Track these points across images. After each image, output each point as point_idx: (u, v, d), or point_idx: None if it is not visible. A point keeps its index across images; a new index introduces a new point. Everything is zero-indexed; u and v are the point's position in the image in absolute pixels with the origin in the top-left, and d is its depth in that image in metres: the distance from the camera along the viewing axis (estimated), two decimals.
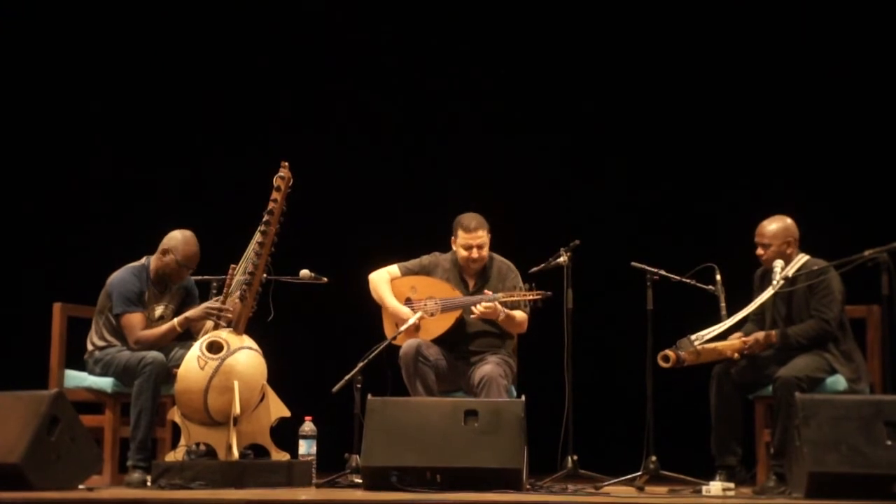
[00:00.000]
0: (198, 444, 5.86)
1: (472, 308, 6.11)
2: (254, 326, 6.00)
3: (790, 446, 5.27)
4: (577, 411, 6.03)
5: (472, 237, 6.21)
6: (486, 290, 6.19)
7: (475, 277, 6.31)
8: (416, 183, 8.08)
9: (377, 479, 5.31)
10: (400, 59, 8.32)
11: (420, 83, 8.29)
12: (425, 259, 6.39)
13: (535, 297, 6.11)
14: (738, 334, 6.00)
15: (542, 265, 6.20)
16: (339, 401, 5.78)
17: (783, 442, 5.53)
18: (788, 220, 6.04)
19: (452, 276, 6.31)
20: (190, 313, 6.06)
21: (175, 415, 5.83)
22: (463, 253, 6.24)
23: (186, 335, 6.11)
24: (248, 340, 5.93)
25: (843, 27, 7.79)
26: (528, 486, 5.43)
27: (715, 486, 5.56)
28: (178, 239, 6.11)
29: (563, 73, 8.21)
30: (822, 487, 4.90)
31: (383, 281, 6.32)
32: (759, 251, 6.02)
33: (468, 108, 8.24)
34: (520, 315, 6.19)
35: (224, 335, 5.88)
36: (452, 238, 6.29)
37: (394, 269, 6.36)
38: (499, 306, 6.09)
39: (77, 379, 6.16)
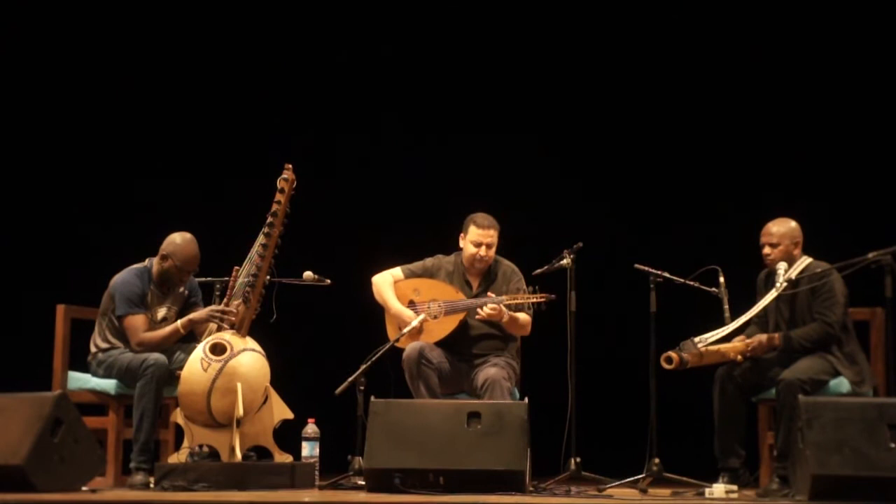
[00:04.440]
0: (201, 446, 5.87)
1: (478, 310, 6.11)
2: (257, 328, 6.00)
3: (793, 449, 5.26)
4: (580, 413, 6.03)
5: (483, 234, 6.21)
6: (489, 293, 6.19)
7: (479, 279, 6.31)
8: (418, 185, 8.08)
9: (380, 481, 5.30)
10: (401, 61, 8.32)
11: (422, 84, 8.29)
12: (429, 261, 6.39)
13: (539, 300, 6.12)
14: (741, 336, 6.00)
15: (546, 267, 6.20)
16: (342, 403, 5.77)
17: (786, 444, 5.53)
18: (793, 223, 6.04)
19: (456, 277, 6.31)
20: (194, 315, 6.06)
21: (178, 416, 5.84)
22: (472, 249, 6.23)
23: (190, 337, 6.11)
24: (251, 342, 5.94)
25: (845, 30, 7.78)
26: (531, 489, 5.43)
27: (718, 489, 5.56)
28: (177, 243, 6.09)
29: (567, 74, 8.21)
30: (826, 490, 4.90)
31: (386, 283, 6.32)
32: (766, 250, 6.01)
33: (471, 110, 8.24)
34: (523, 317, 6.19)
35: (227, 337, 5.88)
36: (462, 234, 6.29)
37: (397, 272, 6.36)
38: (504, 308, 6.10)
39: (80, 381, 6.17)
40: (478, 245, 6.22)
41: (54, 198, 8.15)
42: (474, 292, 6.27)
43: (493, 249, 6.25)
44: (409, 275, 6.35)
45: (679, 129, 8.06)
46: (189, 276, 6.17)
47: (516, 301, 6.14)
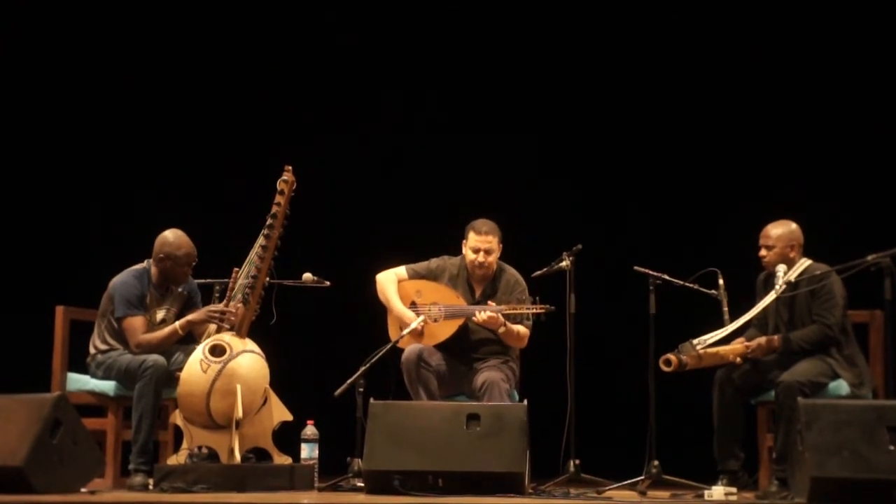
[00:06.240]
0: (200, 448, 5.87)
1: (475, 314, 6.10)
2: (256, 330, 6.00)
3: (792, 451, 5.26)
4: (580, 415, 6.03)
5: (481, 240, 6.20)
6: (489, 301, 6.19)
7: (482, 285, 6.29)
8: (419, 187, 8.08)
9: (379, 482, 5.31)
10: (403, 63, 8.32)
11: (423, 87, 8.29)
12: (433, 262, 6.38)
13: (539, 311, 6.10)
14: (740, 339, 6.00)
15: (545, 269, 6.19)
16: (342, 404, 5.77)
17: (785, 446, 5.53)
18: (793, 225, 6.04)
19: (460, 281, 6.29)
20: (192, 316, 6.06)
21: (177, 418, 5.84)
22: (471, 256, 6.23)
23: (189, 338, 6.11)
24: (250, 344, 5.94)
25: (846, 33, 7.78)
26: (530, 491, 5.43)
27: (717, 491, 5.56)
28: (171, 241, 6.08)
29: (568, 75, 8.21)
30: (825, 492, 4.90)
31: (390, 282, 6.31)
32: (763, 252, 6.01)
33: (471, 112, 8.24)
34: (522, 330, 6.17)
35: (227, 338, 5.88)
36: (463, 241, 6.29)
37: (401, 271, 6.35)
38: (500, 318, 6.09)
39: (79, 382, 6.16)
40: (476, 251, 6.22)
41: (54, 199, 8.15)
42: (476, 298, 6.26)
43: (494, 256, 6.23)
44: (413, 275, 6.34)
45: (680, 131, 8.06)
46: (191, 270, 6.16)
47: (515, 311, 6.13)
